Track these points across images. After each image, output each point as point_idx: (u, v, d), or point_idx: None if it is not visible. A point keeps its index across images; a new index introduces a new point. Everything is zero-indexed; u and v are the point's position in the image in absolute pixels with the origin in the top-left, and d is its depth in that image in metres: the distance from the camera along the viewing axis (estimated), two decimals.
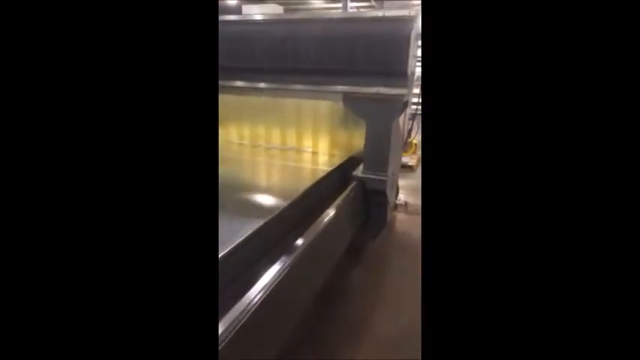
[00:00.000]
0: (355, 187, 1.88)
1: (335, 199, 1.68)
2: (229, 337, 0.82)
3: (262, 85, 2.09)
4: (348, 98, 1.90)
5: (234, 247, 1.07)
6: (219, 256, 1.01)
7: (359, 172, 1.97)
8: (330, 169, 1.98)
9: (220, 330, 0.82)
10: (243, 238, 1.12)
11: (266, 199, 1.65)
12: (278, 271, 1.06)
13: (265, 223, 1.25)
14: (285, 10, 5.99)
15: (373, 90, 1.83)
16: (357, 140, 2.25)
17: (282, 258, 1.14)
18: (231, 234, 1.12)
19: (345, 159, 2.16)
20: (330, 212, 1.52)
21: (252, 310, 0.91)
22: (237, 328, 0.84)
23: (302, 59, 1.93)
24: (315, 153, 2.42)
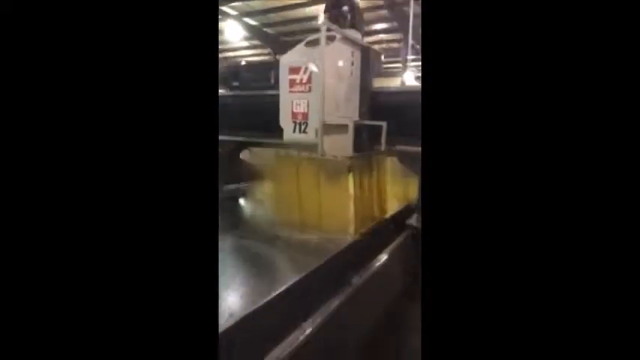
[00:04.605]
0: (409, 234, 2.08)
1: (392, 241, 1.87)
2: None
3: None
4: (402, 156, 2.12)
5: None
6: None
7: (413, 220, 2.13)
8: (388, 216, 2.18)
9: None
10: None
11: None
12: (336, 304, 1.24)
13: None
14: None
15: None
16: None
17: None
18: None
19: (402, 207, 2.36)
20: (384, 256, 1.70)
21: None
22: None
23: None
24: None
